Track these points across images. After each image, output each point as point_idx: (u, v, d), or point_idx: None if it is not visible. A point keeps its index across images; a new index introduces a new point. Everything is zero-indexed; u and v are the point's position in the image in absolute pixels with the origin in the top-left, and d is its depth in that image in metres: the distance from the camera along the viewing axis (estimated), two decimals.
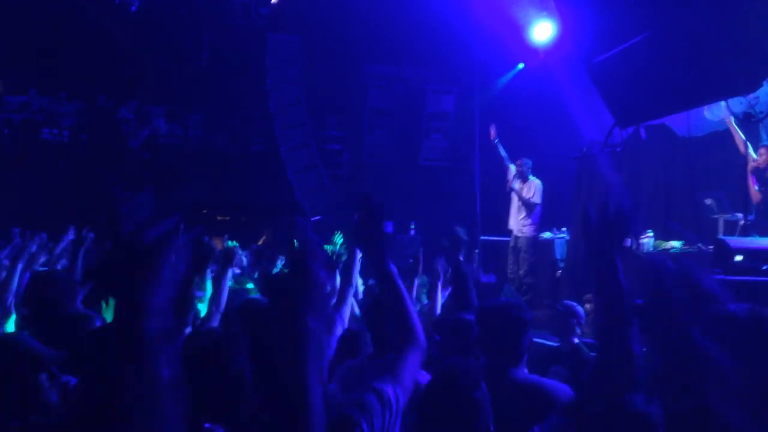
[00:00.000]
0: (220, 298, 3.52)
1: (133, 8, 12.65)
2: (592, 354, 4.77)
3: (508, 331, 2.67)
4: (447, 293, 4.34)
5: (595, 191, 9.32)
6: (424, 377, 2.51)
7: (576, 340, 4.66)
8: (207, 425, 2.01)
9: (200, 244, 2.62)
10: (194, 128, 14.57)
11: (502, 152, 9.28)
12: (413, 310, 1.96)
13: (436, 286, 4.30)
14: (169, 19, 12.57)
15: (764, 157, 6.61)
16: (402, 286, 1.95)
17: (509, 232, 9.20)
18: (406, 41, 12.27)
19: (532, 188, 8.85)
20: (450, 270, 4.15)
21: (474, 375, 1.80)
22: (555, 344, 4.82)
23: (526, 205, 8.83)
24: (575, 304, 4.93)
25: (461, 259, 3.96)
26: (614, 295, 1.56)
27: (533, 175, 8.94)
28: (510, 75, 11.47)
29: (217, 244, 10.79)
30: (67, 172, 12.89)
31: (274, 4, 13.11)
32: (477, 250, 9.97)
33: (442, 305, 4.24)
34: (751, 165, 6.70)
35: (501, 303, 2.93)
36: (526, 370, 2.69)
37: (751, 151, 6.73)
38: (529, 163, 8.97)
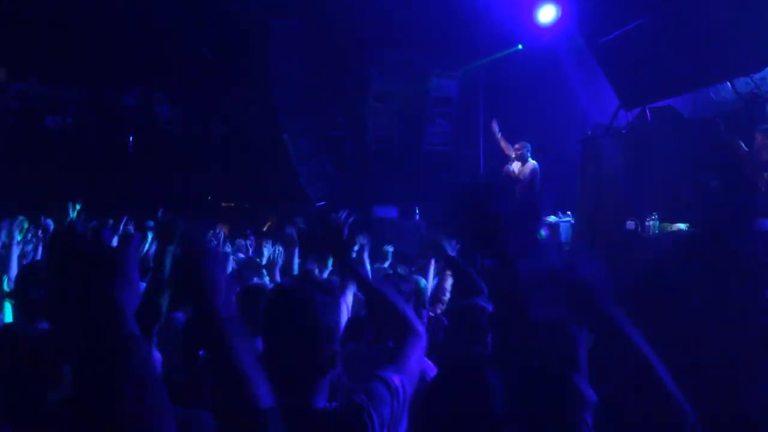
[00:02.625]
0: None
1: None
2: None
3: None
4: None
5: (601, 174, 9.30)
6: (431, 368, 2.52)
7: None
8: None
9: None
10: (197, 114, 14.55)
11: (502, 142, 9.17)
12: (400, 303, 2.03)
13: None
14: (171, 5, 12.50)
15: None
16: (378, 285, 2.08)
17: None
18: (410, 25, 12.19)
19: (528, 169, 8.84)
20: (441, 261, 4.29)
21: (483, 358, 1.80)
22: None
23: (522, 187, 8.81)
24: None
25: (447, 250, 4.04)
26: None
27: (532, 158, 8.95)
28: (504, 53, 11.26)
29: (224, 229, 10.82)
30: (72, 158, 12.90)
31: None
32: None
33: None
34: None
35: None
36: None
37: None
38: (529, 146, 8.96)
